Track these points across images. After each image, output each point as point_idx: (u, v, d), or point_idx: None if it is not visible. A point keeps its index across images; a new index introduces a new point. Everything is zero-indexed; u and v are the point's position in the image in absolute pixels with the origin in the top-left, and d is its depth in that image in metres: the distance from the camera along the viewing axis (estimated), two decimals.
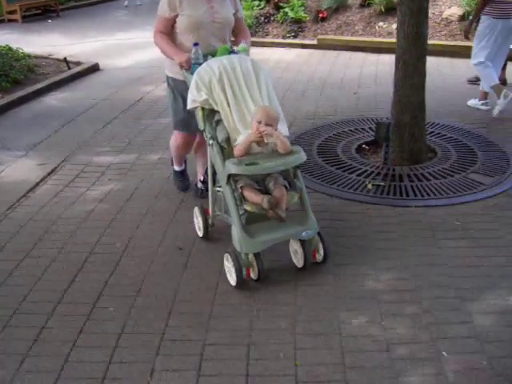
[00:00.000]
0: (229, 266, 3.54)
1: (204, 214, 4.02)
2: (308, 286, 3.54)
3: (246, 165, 3.34)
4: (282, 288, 3.50)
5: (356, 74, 8.69)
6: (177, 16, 4.09)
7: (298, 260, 3.69)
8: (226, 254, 3.55)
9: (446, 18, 10.72)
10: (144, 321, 3.28)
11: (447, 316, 3.21)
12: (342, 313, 3.27)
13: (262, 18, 12.05)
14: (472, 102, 6.98)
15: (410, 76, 5.08)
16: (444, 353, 2.94)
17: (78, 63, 9.82)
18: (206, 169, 4.41)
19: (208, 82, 3.59)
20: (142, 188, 5.01)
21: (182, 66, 3.90)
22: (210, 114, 3.66)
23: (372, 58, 9.58)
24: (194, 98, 3.63)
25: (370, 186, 4.79)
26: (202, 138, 4.34)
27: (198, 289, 3.56)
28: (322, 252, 3.65)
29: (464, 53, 9.54)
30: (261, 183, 3.55)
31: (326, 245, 3.64)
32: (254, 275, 3.52)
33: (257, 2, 12.33)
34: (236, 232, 3.45)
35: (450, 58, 9.47)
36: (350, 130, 6.15)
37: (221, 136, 3.60)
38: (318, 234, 3.61)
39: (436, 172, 5.04)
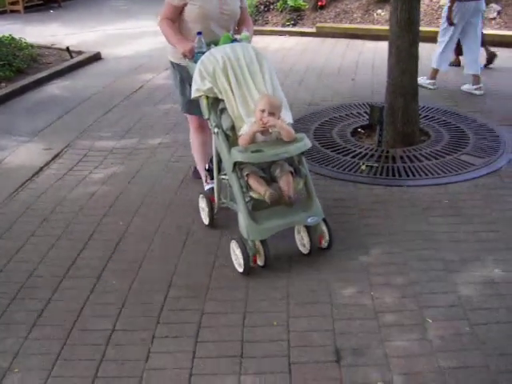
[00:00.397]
0: (236, 253, 3.57)
1: (210, 202, 4.05)
2: (301, 260, 3.70)
3: (252, 152, 3.38)
4: (277, 262, 3.65)
5: (353, 60, 8.82)
6: (185, 4, 4.04)
7: (304, 246, 3.73)
8: (233, 241, 3.58)
9: (443, 5, 10.80)
10: (145, 293, 3.45)
11: (433, 286, 3.37)
12: (334, 284, 3.44)
13: (262, 7, 12.17)
14: (466, 87, 7.13)
15: (403, 61, 5.22)
16: (429, 320, 3.10)
17: (79, 52, 9.98)
18: (211, 157, 4.33)
19: (212, 71, 3.61)
20: (143, 170, 5.18)
21: (185, 56, 3.88)
22: (215, 102, 3.69)
23: (370, 45, 9.69)
24: (198, 87, 3.64)
25: (363, 168, 4.95)
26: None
27: (196, 264, 3.72)
28: (327, 238, 3.68)
29: None
30: (266, 170, 3.57)
31: (332, 231, 3.68)
32: (260, 262, 3.55)
33: None
34: (242, 219, 3.48)
35: None
36: (346, 115, 6.30)
37: (226, 124, 3.64)
38: (324, 220, 3.65)
39: (428, 153, 5.19)
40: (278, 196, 3.37)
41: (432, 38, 9.53)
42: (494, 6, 10.43)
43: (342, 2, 11.67)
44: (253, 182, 3.45)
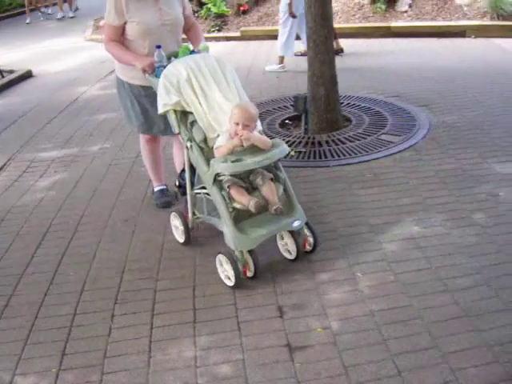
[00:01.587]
0: (224, 267, 3.51)
1: (183, 218, 3.96)
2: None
3: (233, 162, 3.30)
4: (221, 240, 3.99)
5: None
6: (125, 23, 3.95)
7: (289, 252, 3.71)
8: (220, 255, 3.51)
9: (359, 3, 11.44)
10: (101, 279, 3.73)
11: (362, 246, 3.79)
12: (273, 254, 3.79)
13: None
14: (270, 67, 8.56)
15: (321, 53, 5.66)
16: (359, 274, 3.51)
17: (11, 71, 10.09)
18: (180, 172, 4.41)
19: (177, 84, 3.55)
20: (86, 175, 5.44)
21: (145, 71, 3.80)
22: (183, 115, 3.63)
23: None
24: (165, 102, 3.56)
25: (292, 153, 5.34)
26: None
27: (145, 250, 4.03)
28: (312, 240, 3.68)
29: (376, 33, 10.33)
30: (246, 180, 3.48)
31: (316, 233, 3.69)
32: (250, 273, 3.49)
33: None
34: (228, 231, 3.41)
35: (364, 39, 10.19)
36: (274, 109, 6.72)
37: (198, 137, 3.57)
38: (306, 223, 3.64)
39: (351, 136, 5.65)
40: (262, 204, 3.35)
41: (350, 34, 10.18)
42: (405, 0, 11.09)
43: (264, 6, 12.16)
44: (235, 192, 3.39)
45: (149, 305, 3.42)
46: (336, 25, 10.46)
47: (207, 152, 3.59)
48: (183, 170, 4.06)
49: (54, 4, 17.99)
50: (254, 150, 3.42)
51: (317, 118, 5.77)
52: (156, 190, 4.71)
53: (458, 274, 3.45)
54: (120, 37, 4.00)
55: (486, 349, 2.84)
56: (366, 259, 3.66)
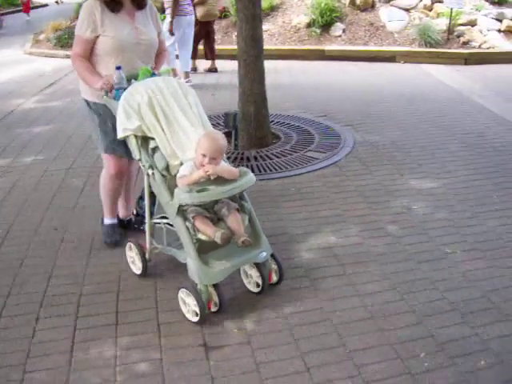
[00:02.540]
0: (187, 302, 3.33)
1: (141, 249, 3.75)
2: None
3: (198, 192, 3.14)
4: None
5: (214, 78, 9.51)
6: (97, 37, 3.73)
7: (255, 285, 3.58)
8: (182, 290, 3.35)
9: (295, 26, 11.84)
10: (28, 284, 3.80)
11: (280, 254, 3.92)
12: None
13: None
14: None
15: (251, 72, 5.91)
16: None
17: None
18: (138, 200, 4.25)
19: (137, 107, 3.37)
20: (18, 185, 5.49)
21: (101, 88, 3.59)
22: (143, 141, 3.43)
23: (229, 64, 10.40)
24: (125, 126, 3.38)
25: None
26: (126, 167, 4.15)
27: (73, 256, 4.13)
28: (277, 272, 3.58)
29: (311, 56, 10.72)
30: (210, 210, 3.31)
31: (282, 264, 3.60)
32: (214, 307, 3.34)
33: None
34: (193, 264, 3.25)
35: (299, 61, 10.56)
36: None
37: (160, 164, 3.39)
38: (272, 254, 3.54)
39: (278, 153, 5.91)
40: (229, 236, 3.20)
41: (286, 56, 10.53)
42: (339, 25, 11.54)
43: None
44: (199, 223, 3.22)
45: (73, 308, 3.52)
46: (272, 46, 10.91)
47: (169, 180, 3.40)
48: (141, 198, 3.91)
49: None
50: (220, 178, 3.25)
51: (246, 135, 6.00)
52: (107, 223, 4.34)
53: (368, 279, 3.70)
54: (89, 51, 3.76)
55: (388, 347, 3.08)
56: (283, 266, 3.84)
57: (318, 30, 11.52)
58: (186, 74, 9.35)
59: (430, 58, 10.56)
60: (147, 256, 3.76)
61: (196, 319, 3.29)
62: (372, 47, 11.09)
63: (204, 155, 3.23)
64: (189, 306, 3.32)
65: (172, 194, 3.27)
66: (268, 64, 9.62)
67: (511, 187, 5.09)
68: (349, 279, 3.72)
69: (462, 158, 5.82)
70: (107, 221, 4.33)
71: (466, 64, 10.57)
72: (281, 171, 5.44)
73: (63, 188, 5.35)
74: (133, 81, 3.56)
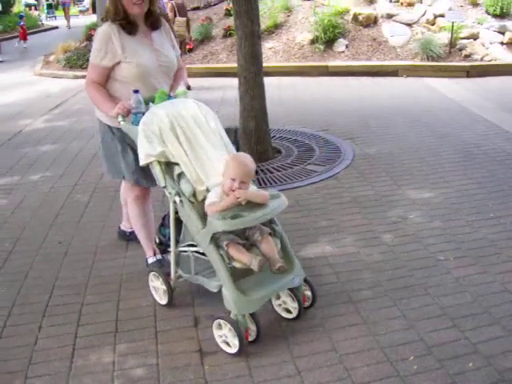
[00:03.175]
0: (224, 333, 3.19)
1: (166, 280, 3.61)
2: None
3: (232, 219, 3.00)
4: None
5: (219, 96, 9.66)
6: (118, 63, 3.58)
7: (289, 311, 3.47)
8: (218, 321, 3.21)
9: (299, 43, 12.02)
10: (32, 295, 3.93)
11: None
12: None
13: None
14: None
15: (252, 88, 6.06)
16: None
17: None
18: (159, 227, 3.89)
19: (159, 132, 3.25)
20: (25, 201, 5.64)
21: (117, 114, 3.43)
22: (167, 167, 3.30)
23: (235, 81, 10.54)
24: (148, 152, 3.23)
25: None
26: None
27: (75, 268, 4.26)
28: (310, 295, 3.47)
29: (315, 71, 10.89)
30: (242, 236, 3.18)
31: (314, 287, 3.50)
32: (251, 337, 3.21)
33: None
34: (229, 293, 3.10)
35: (303, 77, 10.72)
36: None
37: (188, 191, 3.24)
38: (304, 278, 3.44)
39: (279, 166, 6.03)
40: (264, 262, 3.08)
41: (290, 72, 10.71)
42: (342, 41, 11.71)
43: (209, 45, 12.62)
44: (234, 251, 3.08)
45: (75, 317, 3.63)
46: (277, 63, 11.07)
47: (196, 207, 3.25)
48: (162, 225, 3.78)
49: None
50: (250, 204, 3.12)
51: (248, 150, 6.11)
52: (152, 261, 4.07)
53: (361, 286, 3.80)
54: (105, 79, 3.63)
55: (378, 350, 3.17)
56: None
57: (322, 47, 11.70)
58: None
59: (433, 72, 10.69)
60: (172, 285, 3.61)
61: (233, 350, 3.15)
62: (375, 62, 11.24)
63: (233, 180, 3.09)
64: (225, 337, 3.18)
65: (202, 221, 3.15)
66: (272, 80, 9.93)
67: (506, 196, 5.17)
68: (342, 287, 3.81)
69: (458, 168, 5.92)
70: (151, 259, 4.08)
71: (467, 77, 10.69)
72: (281, 184, 5.56)
73: (68, 204, 5.50)
74: (150, 104, 3.45)
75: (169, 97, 3.51)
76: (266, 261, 3.12)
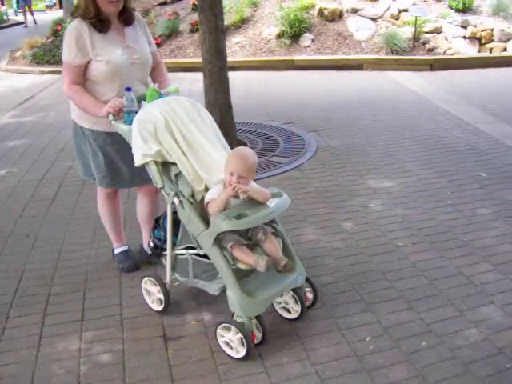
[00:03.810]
0: (229, 338, 3.09)
1: (163, 284, 3.49)
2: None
3: (237, 219, 2.91)
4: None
5: (186, 90, 9.70)
6: (89, 62, 3.46)
7: (290, 311, 3.41)
8: (223, 325, 3.11)
9: (265, 37, 12.11)
10: None
11: None
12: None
13: None
14: None
15: (216, 82, 6.14)
16: None
17: None
18: (153, 230, 3.70)
19: (154, 131, 3.13)
20: None
21: (108, 113, 3.32)
22: (163, 167, 3.20)
23: (201, 75, 10.62)
24: (144, 152, 3.12)
25: None
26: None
27: (42, 260, 4.31)
28: (311, 295, 3.44)
29: (281, 66, 11.00)
30: (244, 236, 3.09)
31: (316, 286, 3.47)
32: (257, 339, 3.13)
33: None
34: (235, 296, 3.00)
35: (270, 71, 10.83)
36: None
37: (186, 191, 3.15)
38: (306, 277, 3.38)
39: None
40: (271, 262, 2.99)
41: (257, 67, 10.81)
42: (308, 35, 11.84)
43: (176, 40, 12.64)
44: (238, 252, 3.00)
45: (42, 307, 3.69)
46: (243, 58, 11.16)
47: (196, 207, 3.15)
48: (155, 228, 3.62)
49: None
50: (252, 202, 3.04)
51: None
52: (118, 251, 4.16)
53: (322, 272, 3.92)
54: (81, 78, 3.49)
55: (337, 332, 3.30)
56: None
57: (288, 41, 11.82)
58: None
59: (397, 65, 10.89)
60: (168, 289, 3.51)
61: (240, 354, 3.07)
62: (340, 56, 11.40)
63: (232, 174, 3.01)
64: (232, 341, 3.08)
65: (204, 222, 3.05)
66: (239, 75, 10.04)
67: (464, 184, 5.36)
68: None
69: (419, 158, 6.10)
70: (118, 249, 4.15)
71: (431, 70, 10.92)
72: None
73: (36, 197, 5.54)
74: (143, 102, 3.32)
75: (160, 94, 3.39)
76: (272, 260, 3.04)
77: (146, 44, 3.67)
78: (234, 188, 2.97)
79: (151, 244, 3.62)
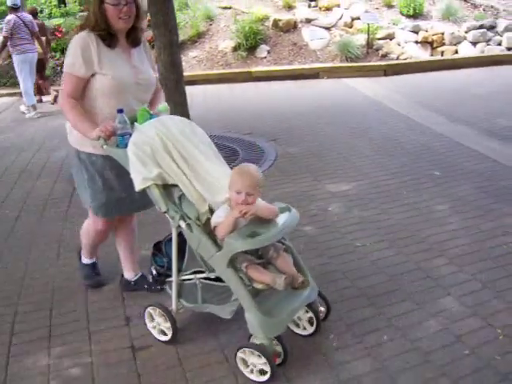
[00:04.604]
0: (252, 362, 2.96)
1: (169, 313, 3.33)
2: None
3: (251, 237, 2.81)
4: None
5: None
6: (93, 75, 3.29)
7: (305, 327, 3.34)
8: (243, 350, 2.98)
9: (222, 51, 12.25)
10: None
11: None
12: None
13: (59, 68, 12.80)
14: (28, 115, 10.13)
15: (173, 95, 6.22)
16: None
17: None
18: (153, 257, 3.52)
19: (151, 153, 3.01)
20: None
21: (98, 137, 3.12)
22: (165, 190, 3.06)
23: None
24: (144, 176, 2.97)
25: None
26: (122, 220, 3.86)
27: (7, 281, 4.29)
28: (323, 309, 3.38)
29: (238, 78, 11.14)
30: (255, 255, 3.00)
31: (328, 300, 3.41)
32: (279, 359, 3.02)
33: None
34: (254, 317, 2.89)
35: (228, 84, 10.97)
36: None
37: (192, 213, 3.02)
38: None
39: None
40: (290, 280, 2.91)
41: (214, 80, 10.91)
42: (264, 47, 12.02)
43: None
44: (254, 272, 2.90)
45: (8, 327, 3.70)
46: (201, 71, 11.26)
47: (201, 229, 3.01)
48: (155, 255, 3.48)
49: None
50: (261, 220, 2.93)
51: None
52: (86, 263, 4.05)
53: None
54: (80, 92, 3.31)
55: None
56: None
57: (244, 53, 11.98)
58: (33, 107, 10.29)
59: (351, 72, 11.13)
60: (174, 317, 3.35)
61: (265, 377, 2.95)
62: (296, 66, 11.60)
63: (239, 192, 2.88)
64: (254, 365, 2.97)
65: (217, 244, 2.93)
66: (198, 89, 10.14)
67: (419, 183, 5.53)
68: None
69: (375, 161, 6.27)
70: (87, 261, 4.05)
71: (385, 75, 11.19)
72: None
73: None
74: (135, 124, 3.15)
75: (151, 115, 3.24)
76: (292, 278, 2.95)
77: (150, 68, 3.56)
78: (242, 212, 2.81)
79: (154, 272, 3.49)
